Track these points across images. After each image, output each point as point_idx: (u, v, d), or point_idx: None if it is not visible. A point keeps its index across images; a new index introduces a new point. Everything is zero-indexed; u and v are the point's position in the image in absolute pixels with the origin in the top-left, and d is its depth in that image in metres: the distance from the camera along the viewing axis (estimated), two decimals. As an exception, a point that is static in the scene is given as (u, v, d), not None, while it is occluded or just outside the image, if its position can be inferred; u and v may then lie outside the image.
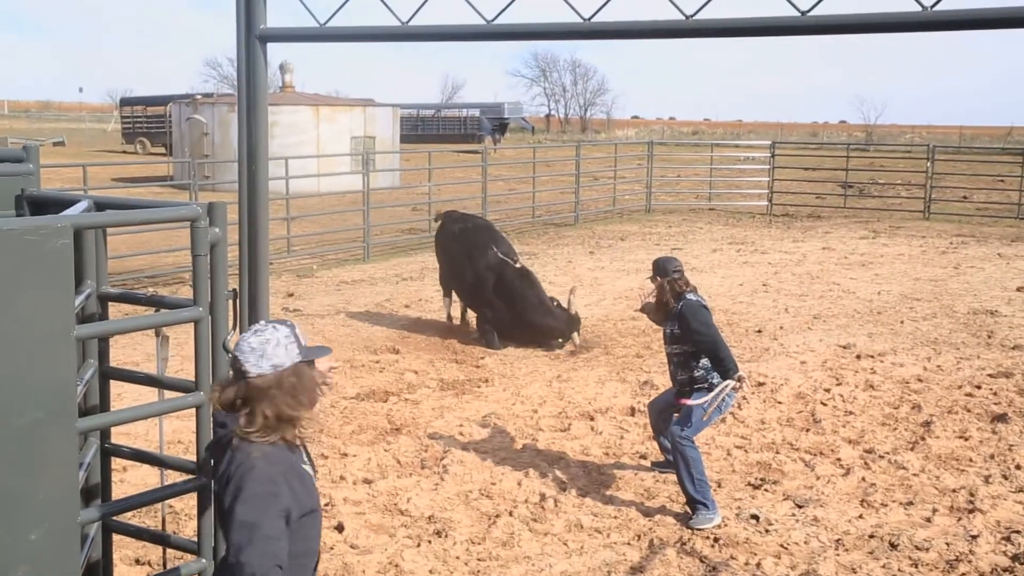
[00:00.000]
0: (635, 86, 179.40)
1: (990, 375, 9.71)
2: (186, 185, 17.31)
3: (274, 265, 15.92)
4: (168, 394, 3.65)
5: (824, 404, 8.80)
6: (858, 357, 10.41)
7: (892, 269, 16.34)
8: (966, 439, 7.88)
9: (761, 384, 9.37)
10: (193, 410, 3.56)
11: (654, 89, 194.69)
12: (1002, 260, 17.33)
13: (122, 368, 4.21)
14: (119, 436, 5.53)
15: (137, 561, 5.70)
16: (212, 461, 3.11)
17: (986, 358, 10.38)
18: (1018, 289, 14.35)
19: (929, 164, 24.30)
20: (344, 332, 11.48)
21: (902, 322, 12.19)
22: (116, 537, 4.62)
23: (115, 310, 4.08)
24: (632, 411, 8.59)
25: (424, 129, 60.24)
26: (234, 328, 3.54)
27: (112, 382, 3.91)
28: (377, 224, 18.81)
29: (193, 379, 3.50)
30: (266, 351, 2.90)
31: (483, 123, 58.98)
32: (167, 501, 5.44)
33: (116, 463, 6.03)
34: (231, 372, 2.97)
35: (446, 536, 6.08)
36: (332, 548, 5.91)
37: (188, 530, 6.01)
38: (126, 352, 9.91)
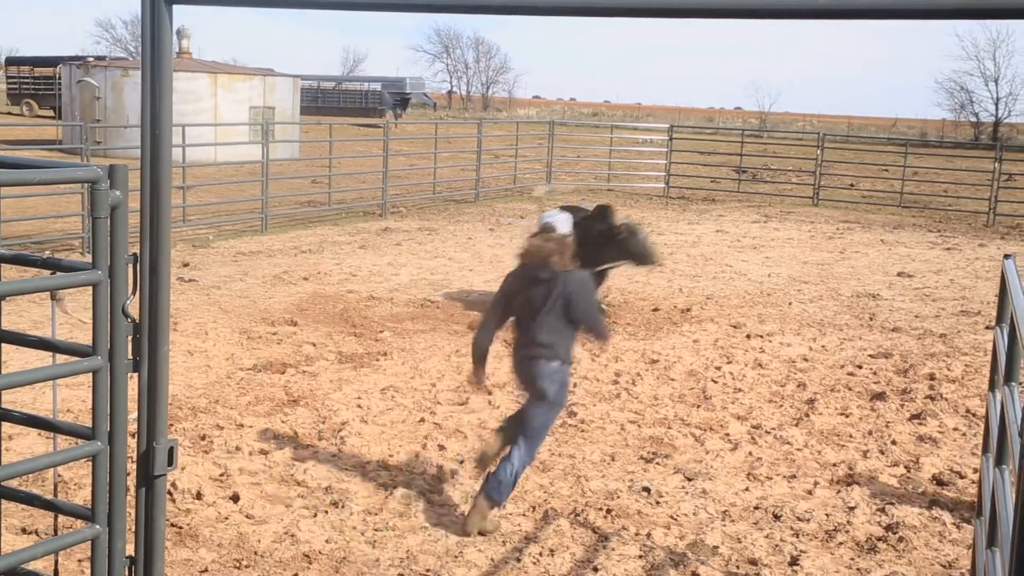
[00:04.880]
0: (537, 66, 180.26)
1: (871, 355, 10.11)
2: (76, 150, 16.73)
3: (168, 234, 15.53)
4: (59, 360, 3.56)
5: (715, 381, 9.04)
6: (748, 337, 10.72)
7: (782, 253, 16.82)
8: (847, 416, 8.20)
9: (655, 361, 9.58)
10: (85, 377, 3.48)
11: (556, 70, 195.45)
12: (884, 246, 18.00)
13: (14, 331, 4.09)
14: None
15: (23, 530, 5.56)
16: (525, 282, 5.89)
17: (867, 339, 10.80)
18: (899, 274, 14.94)
19: (819, 152, 25.02)
20: (241, 303, 11.30)
21: (790, 304, 12.59)
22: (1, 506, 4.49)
23: (7, 273, 3.95)
24: (529, 386, 8.68)
25: (324, 101, 59.31)
26: (133, 293, 3.47)
27: (1, 353, 3.79)
28: (275, 196, 18.51)
29: (90, 344, 3.42)
30: (566, 223, 6.12)
31: (384, 97, 58.32)
32: (58, 468, 5.31)
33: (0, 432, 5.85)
34: (541, 232, 6.21)
35: (343, 507, 6.09)
36: (227, 518, 5.86)
37: (78, 500, 5.87)
38: (11, 319, 9.58)
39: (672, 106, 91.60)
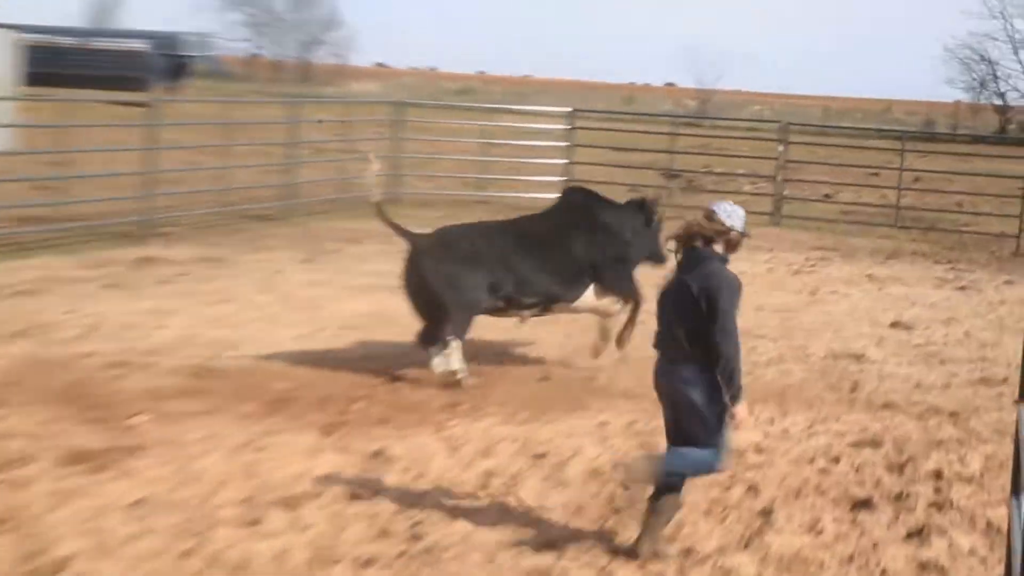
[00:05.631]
0: (381, 21, 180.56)
1: (852, 444, 10.25)
2: None
3: None
4: None
5: (627, 486, 9.02)
6: (678, 417, 10.76)
7: (729, 293, 17.03)
8: (818, 533, 8.26)
9: (542, 456, 9.54)
10: None
11: (408, 27, 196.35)
12: (873, 284, 18.45)
13: None
14: None
15: None
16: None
17: (848, 420, 10.96)
18: (892, 324, 15.27)
19: (781, 148, 25.58)
20: (-84, 374, 10.89)
21: (739, 368, 12.72)
22: None
23: None
24: (354, 496, 8.51)
25: (62, 67, 58.34)
26: None
27: None
28: (-22, 208, 18.01)
29: None
30: (734, 215, 7.91)
31: (152, 62, 57.81)
32: None
33: None
34: (705, 221, 7.84)
35: None
36: None
37: None
38: None
39: (575, 80, 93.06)
